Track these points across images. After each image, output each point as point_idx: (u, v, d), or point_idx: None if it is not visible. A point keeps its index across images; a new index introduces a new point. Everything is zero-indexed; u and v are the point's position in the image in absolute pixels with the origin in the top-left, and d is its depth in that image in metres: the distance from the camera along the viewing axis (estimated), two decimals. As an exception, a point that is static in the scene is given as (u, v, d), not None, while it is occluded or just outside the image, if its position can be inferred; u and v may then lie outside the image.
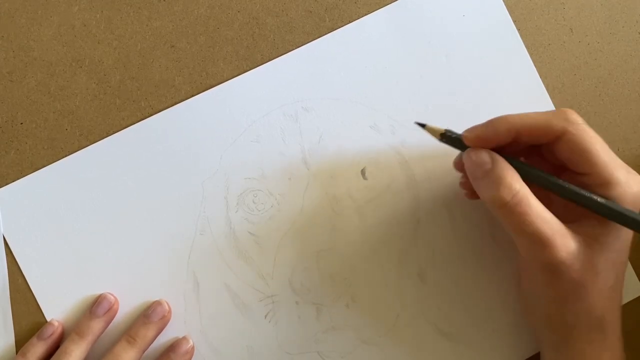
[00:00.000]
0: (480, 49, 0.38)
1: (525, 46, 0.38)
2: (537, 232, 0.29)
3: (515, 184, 0.29)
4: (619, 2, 0.39)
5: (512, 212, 0.29)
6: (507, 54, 0.38)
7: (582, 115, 0.38)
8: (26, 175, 0.36)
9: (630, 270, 0.38)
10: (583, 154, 0.30)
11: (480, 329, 0.37)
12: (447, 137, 0.32)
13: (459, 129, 0.37)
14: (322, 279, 0.36)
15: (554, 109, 0.38)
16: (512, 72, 0.38)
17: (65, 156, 0.37)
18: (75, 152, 0.37)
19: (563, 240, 0.29)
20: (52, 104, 0.37)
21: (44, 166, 0.36)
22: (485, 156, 0.30)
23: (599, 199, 0.29)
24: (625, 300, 0.38)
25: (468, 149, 0.31)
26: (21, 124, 0.37)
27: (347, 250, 0.37)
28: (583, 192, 0.30)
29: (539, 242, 0.29)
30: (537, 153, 0.33)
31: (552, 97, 0.38)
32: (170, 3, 0.37)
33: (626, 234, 0.30)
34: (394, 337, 0.37)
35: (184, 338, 0.36)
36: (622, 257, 0.31)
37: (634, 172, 0.30)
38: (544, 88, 0.38)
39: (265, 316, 0.36)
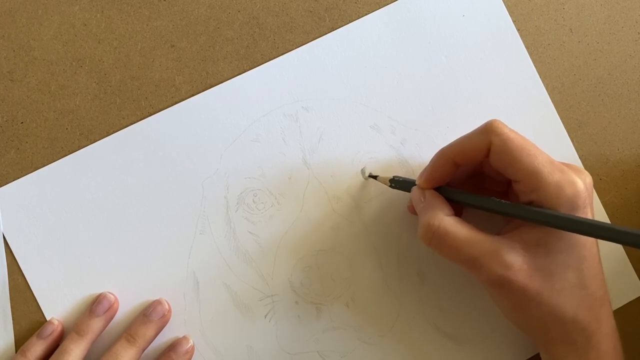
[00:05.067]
0: (480, 49, 0.38)
1: (525, 46, 0.39)
2: (467, 257, 0.30)
3: (433, 222, 0.31)
4: (619, 3, 0.39)
5: (438, 247, 0.31)
6: (507, 54, 0.38)
7: (581, 115, 0.39)
8: (26, 174, 0.36)
9: (630, 270, 0.38)
10: (509, 162, 0.30)
11: (480, 329, 0.37)
12: (395, 181, 0.35)
13: (458, 128, 0.38)
14: (322, 278, 0.36)
15: (553, 108, 0.38)
16: (511, 72, 0.38)
17: (66, 155, 0.37)
18: (76, 151, 0.37)
19: (495, 258, 0.30)
20: (53, 103, 0.37)
21: (44, 165, 0.36)
22: (416, 195, 0.33)
23: (519, 206, 0.30)
24: (625, 301, 0.38)
25: (412, 189, 0.34)
26: (21, 123, 0.37)
27: (347, 250, 0.37)
28: (504, 203, 0.31)
29: (472, 265, 0.30)
30: (488, 174, 0.34)
31: (551, 97, 0.38)
32: (171, 3, 0.37)
33: (569, 233, 0.30)
34: (394, 337, 0.37)
35: (184, 337, 0.36)
36: (579, 252, 0.30)
37: (571, 173, 0.30)
38: (544, 88, 0.38)
39: (265, 316, 0.36)
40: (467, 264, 0.30)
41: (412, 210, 0.35)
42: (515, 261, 0.30)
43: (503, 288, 0.30)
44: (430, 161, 0.33)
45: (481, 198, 0.31)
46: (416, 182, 0.33)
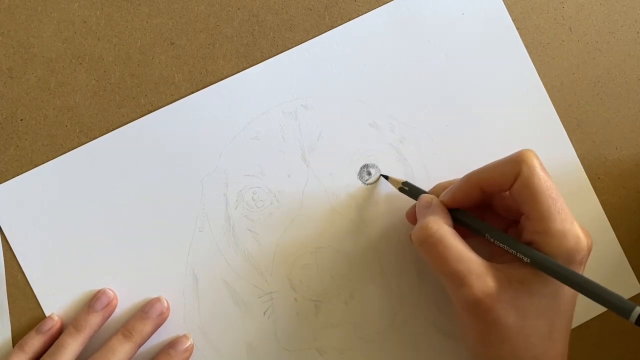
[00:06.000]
0: (479, 47, 0.38)
1: (524, 45, 0.39)
2: (453, 271, 0.30)
3: (433, 225, 0.31)
4: (618, 2, 0.39)
5: (429, 251, 0.31)
6: (506, 52, 0.38)
7: (580, 114, 0.39)
8: (26, 171, 0.36)
9: (627, 268, 0.38)
10: (529, 196, 0.30)
11: (479, 326, 0.37)
12: (407, 184, 0.35)
13: (457, 126, 0.38)
14: (320, 276, 0.36)
15: (552, 107, 0.38)
16: (510, 71, 0.38)
17: (65, 152, 0.37)
18: (75, 148, 0.37)
19: (479, 280, 0.29)
20: (52, 100, 0.37)
21: (44, 162, 0.36)
22: (423, 202, 0.33)
23: (515, 242, 0.30)
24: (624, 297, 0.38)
25: (420, 197, 0.34)
26: (21, 120, 0.37)
27: (346, 248, 0.37)
28: (507, 237, 0.31)
29: (456, 280, 0.30)
30: (495, 209, 0.34)
31: (550, 96, 0.39)
32: (171, 0, 0.37)
33: (555, 282, 0.30)
34: (392, 334, 0.37)
35: (184, 336, 0.36)
36: (558, 304, 0.30)
37: (579, 227, 0.30)
38: (543, 87, 0.39)
39: (264, 313, 0.36)
40: (450, 277, 0.30)
41: (410, 219, 0.35)
42: (497, 290, 0.29)
43: (477, 314, 0.30)
44: (458, 183, 0.33)
45: (487, 226, 0.32)
46: (440, 199, 0.33)
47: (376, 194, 0.37)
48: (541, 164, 0.30)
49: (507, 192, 0.31)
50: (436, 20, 0.38)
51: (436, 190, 0.35)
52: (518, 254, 0.30)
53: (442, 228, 0.31)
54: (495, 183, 0.31)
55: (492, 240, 0.31)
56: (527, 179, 0.30)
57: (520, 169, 0.30)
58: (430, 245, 0.30)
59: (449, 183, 0.34)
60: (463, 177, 0.33)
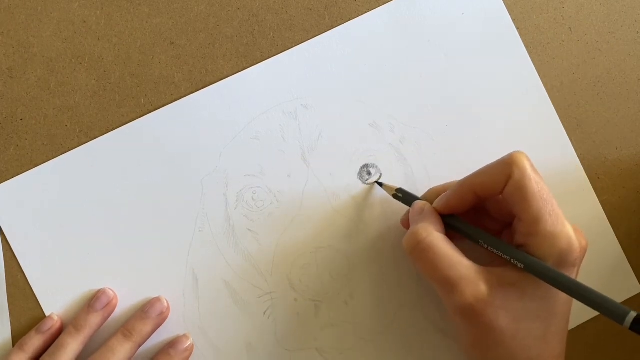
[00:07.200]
0: (480, 47, 0.38)
1: (524, 45, 0.39)
2: (443, 277, 0.30)
3: (422, 232, 0.31)
4: (618, 2, 0.39)
5: (419, 258, 0.31)
6: (506, 52, 0.38)
7: (580, 114, 0.39)
8: (26, 171, 0.36)
9: (627, 268, 0.38)
10: (521, 198, 0.30)
11: (478, 326, 0.37)
12: (401, 191, 0.35)
13: (457, 127, 0.38)
14: (320, 276, 0.36)
15: (552, 107, 0.38)
16: (511, 71, 0.38)
17: (65, 152, 0.37)
18: (75, 148, 0.37)
19: (470, 285, 0.29)
20: (52, 100, 0.37)
21: (44, 162, 0.36)
22: (417, 208, 0.33)
23: (508, 248, 0.30)
24: (622, 299, 0.38)
25: (413, 203, 0.34)
26: (21, 120, 0.37)
27: (346, 248, 0.37)
28: (495, 239, 0.31)
29: (447, 286, 0.30)
30: (489, 211, 0.34)
31: (550, 96, 0.39)
32: (170, 0, 0.37)
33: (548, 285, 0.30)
34: (392, 334, 0.37)
35: (184, 335, 0.36)
36: (552, 307, 0.30)
37: (571, 229, 0.30)
38: (543, 87, 0.39)
39: (264, 313, 0.36)
40: (441, 283, 0.30)
41: (405, 225, 0.35)
42: (488, 294, 0.29)
43: (470, 319, 0.30)
44: (452, 189, 0.32)
45: (480, 232, 0.32)
46: (435, 205, 0.33)
47: (376, 194, 0.37)
48: (532, 166, 0.30)
49: (501, 196, 0.31)
50: (436, 20, 0.38)
51: (429, 195, 0.35)
52: (512, 259, 0.30)
53: (432, 235, 0.30)
54: (488, 187, 0.31)
55: (486, 246, 0.31)
56: (518, 182, 0.30)
57: (511, 171, 0.30)
58: (420, 252, 0.30)
59: (443, 188, 0.34)
60: (457, 183, 0.32)
